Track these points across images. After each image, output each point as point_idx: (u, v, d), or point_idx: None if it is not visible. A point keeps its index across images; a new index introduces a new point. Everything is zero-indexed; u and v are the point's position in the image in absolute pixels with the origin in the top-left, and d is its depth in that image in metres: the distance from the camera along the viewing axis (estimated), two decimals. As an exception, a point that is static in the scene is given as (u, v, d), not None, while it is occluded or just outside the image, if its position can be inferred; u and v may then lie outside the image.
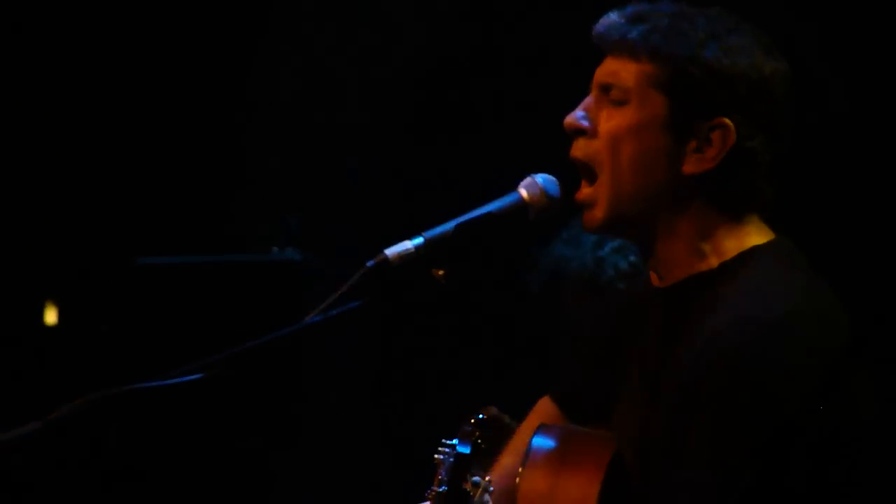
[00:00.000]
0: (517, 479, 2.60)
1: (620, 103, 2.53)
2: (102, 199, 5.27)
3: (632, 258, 3.70)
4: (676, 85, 2.50)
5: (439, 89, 5.11)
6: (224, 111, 5.26)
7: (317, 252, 4.77)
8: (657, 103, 2.51)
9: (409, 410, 5.10)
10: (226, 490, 4.77)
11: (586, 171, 2.57)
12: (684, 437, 2.39)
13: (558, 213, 2.59)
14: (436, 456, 2.75)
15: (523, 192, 2.55)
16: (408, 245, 2.47)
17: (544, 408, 2.89)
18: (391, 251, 2.46)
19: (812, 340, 2.40)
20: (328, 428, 5.16)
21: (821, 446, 2.37)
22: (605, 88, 2.56)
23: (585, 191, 2.57)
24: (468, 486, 2.62)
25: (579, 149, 2.57)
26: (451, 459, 2.71)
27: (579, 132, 2.56)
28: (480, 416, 2.74)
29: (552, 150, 2.67)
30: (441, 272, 2.49)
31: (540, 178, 2.56)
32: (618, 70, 2.54)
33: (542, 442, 2.65)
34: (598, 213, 2.56)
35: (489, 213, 2.52)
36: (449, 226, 2.50)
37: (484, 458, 2.70)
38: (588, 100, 2.58)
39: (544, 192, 2.54)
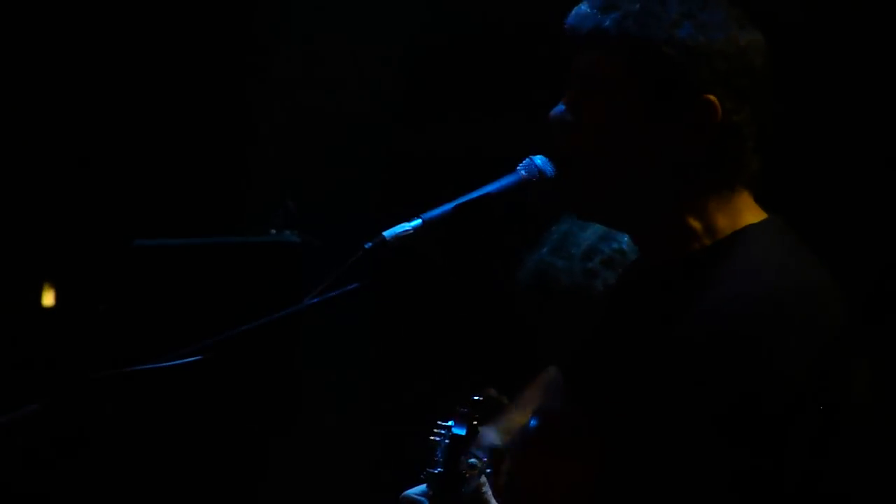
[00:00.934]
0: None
1: (601, 94, 2.51)
2: (100, 181, 5.28)
3: (621, 271, 3.66)
4: (655, 68, 2.48)
5: (438, 73, 5.11)
6: (222, 95, 5.26)
7: (315, 234, 4.76)
8: (638, 89, 2.49)
9: (405, 392, 5.11)
10: (221, 472, 4.77)
11: (573, 165, 2.55)
12: (677, 416, 2.39)
13: (554, 197, 2.59)
14: (431, 437, 2.76)
15: (523, 173, 2.55)
16: (406, 227, 2.48)
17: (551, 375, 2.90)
18: (389, 233, 2.46)
19: (806, 318, 2.39)
20: (324, 410, 5.16)
21: (811, 424, 2.37)
22: (585, 80, 2.53)
23: (573, 183, 2.56)
24: (464, 468, 2.62)
25: (564, 142, 2.55)
26: (447, 441, 2.72)
27: (563, 126, 2.55)
28: (477, 396, 2.75)
29: (548, 137, 2.66)
30: (438, 254, 2.49)
31: (538, 160, 2.55)
32: (595, 61, 2.51)
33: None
34: (588, 203, 2.55)
35: (489, 194, 2.52)
36: (447, 207, 2.50)
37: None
38: (569, 93, 2.55)
39: (543, 173, 2.54)
